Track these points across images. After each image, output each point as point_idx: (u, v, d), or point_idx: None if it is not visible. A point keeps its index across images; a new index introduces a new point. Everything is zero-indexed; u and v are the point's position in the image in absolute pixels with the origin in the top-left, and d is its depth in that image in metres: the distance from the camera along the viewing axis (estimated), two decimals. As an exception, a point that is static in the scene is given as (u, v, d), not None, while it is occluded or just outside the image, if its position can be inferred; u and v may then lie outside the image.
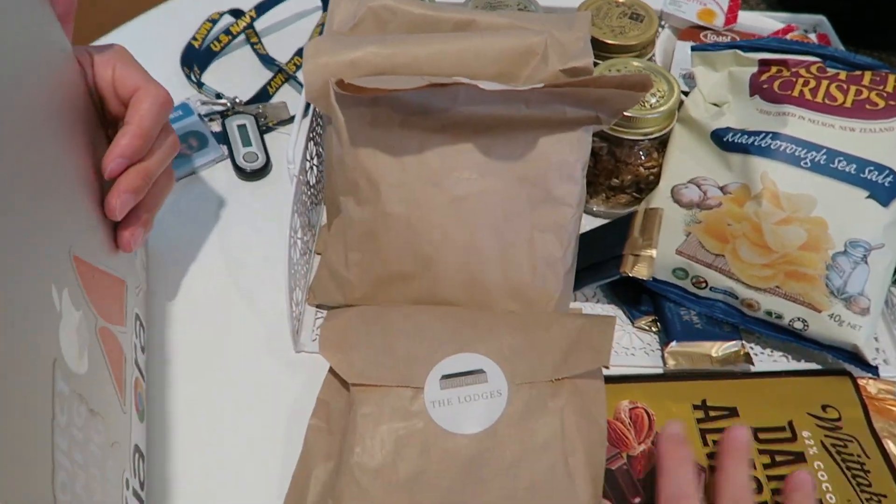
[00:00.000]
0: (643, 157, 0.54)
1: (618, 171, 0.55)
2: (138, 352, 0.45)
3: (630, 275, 0.48)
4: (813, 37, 0.62)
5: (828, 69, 0.51)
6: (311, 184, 0.54)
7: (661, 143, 0.55)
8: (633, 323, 0.52)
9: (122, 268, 0.45)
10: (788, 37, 0.58)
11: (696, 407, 0.46)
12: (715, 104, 0.55)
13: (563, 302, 0.50)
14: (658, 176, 0.54)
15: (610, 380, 0.47)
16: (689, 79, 0.59)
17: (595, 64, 0.57)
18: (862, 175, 0.46)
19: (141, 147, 0.43)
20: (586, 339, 0.45)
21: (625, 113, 0.52)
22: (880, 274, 0.46)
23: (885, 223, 0.46)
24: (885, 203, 0.46)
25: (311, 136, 0.53)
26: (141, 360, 0.46)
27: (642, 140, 0.53)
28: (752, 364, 0.49)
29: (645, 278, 0.48)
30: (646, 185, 0.56)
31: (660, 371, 0.50)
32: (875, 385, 0.48)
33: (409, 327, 0.46)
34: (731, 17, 0.58)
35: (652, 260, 0.48)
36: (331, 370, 0.46)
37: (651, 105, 0.53)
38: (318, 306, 0.52)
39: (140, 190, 0.43)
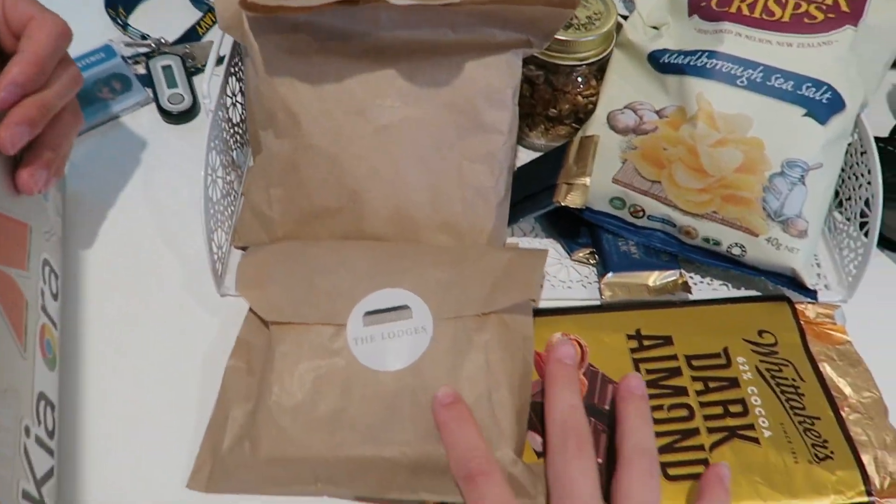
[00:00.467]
0: (581, 85, 0.52)
1: (555, 101, 0.53)
2: (47, 298, 0.43)
3: (564, 204, 0.46)
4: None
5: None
6: (234, 122, 0.52)
7: (600, 70, 0.53)
8: (570, 256, 0.51)
9: (26, 211, 0.43)
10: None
11: (630, 336, 0.45)
12: (654, 27, 0.52)
13: (496, 235, 0.48)
14: (596, 104, 0.52)
15: (543, 312, 0.46)
16: (629, 2, 0.57)
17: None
18: (799, 92, 0.44)
19: (35, 76, 0.41)
20: (515, 273, 0.43)
21: (560, 37, 0.49)
22: (819, 195, 0.45)
23: (823, 142, 0.44)
24: (822, 121, 0.44)
25: (232, 70, 0.50)
26: (52, 306, 0.44)
27: (579, 66, 0.51)
28: (690, 292, 0.48)
29: (579, 206, 0.46)
30: (585, 115, 0.54)
31: (597, 303, 0.48)
32: (813, 309, 0.47)
33: (331, 262, 0.44)
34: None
35: (586, 188, 0.46)
36: (251, 309, 0.44)
37: (587, 28, 0.50)
38: (243, 248, 0.50)
39: (35, 122, 0.41)
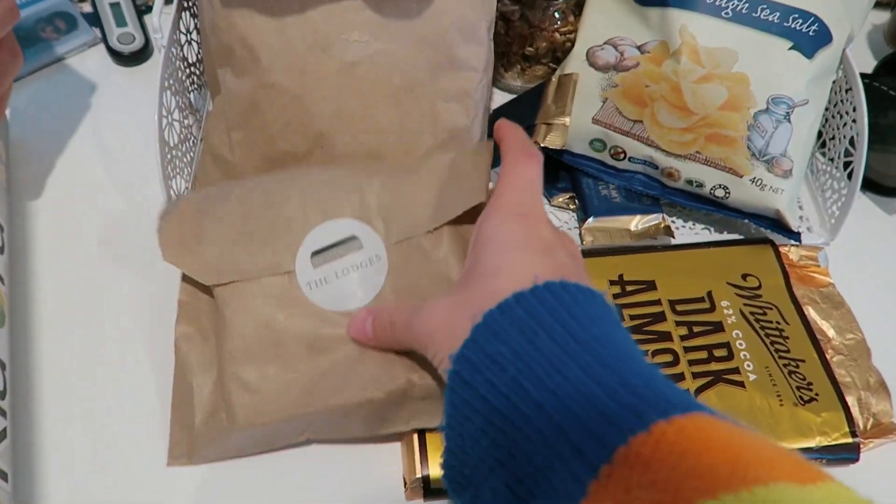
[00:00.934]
0: (559, 21, 0.50)
1: (532, 38, 0.50)
2: (-9, 251, 0.40)
3: (542, 145, 0.44)
4: None
5: None
6: (189, 61, 0.48)
7: (578, 6, 0.50)
8: (549, 202, 0.49)
9: (-38, 156, 0.40)
10: None
11: (612, 282, 0.44)
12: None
13: (472, 179, 0.46)
14: (574, 42, 0.50)
15: (523, 259, 0.45)
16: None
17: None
18: (785, 24, 0.42)
19: None
20: (459, 177, 0.39)
21: None
22: (804, 133, 0.43)
23: (809, 77, 0.42)
24: (809, 55, 0.42)
25: (186, 4, 0.47)
26: (-3, 260, 0.41)
27: (556, 0, 0.48)
28: (673, 237, 0.46)
29: (558, 147, 0.44)
30: (563, 54, 0.51)
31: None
32: (797, 252, 0.46)
33: (262, 201, 0.39)
34: None
35: (565, 129, 0.44)
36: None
37: None
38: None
39: None
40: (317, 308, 0.37)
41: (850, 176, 0.46)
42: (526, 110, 0.47)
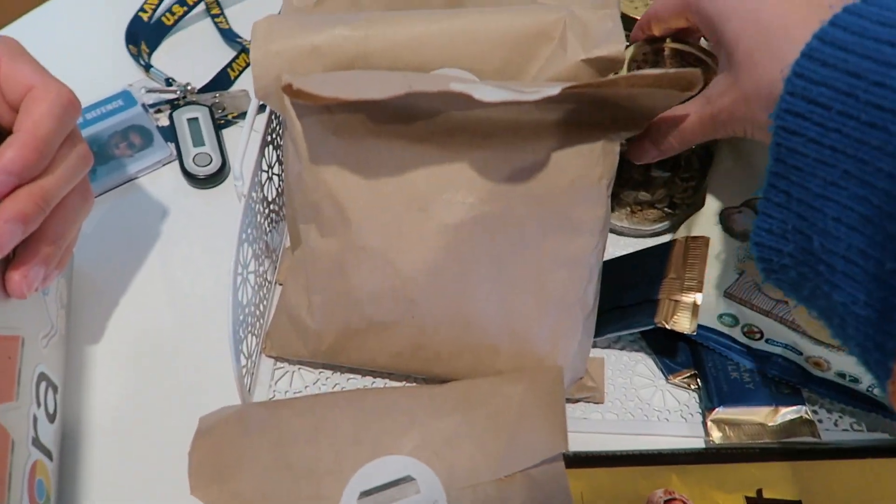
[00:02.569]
0: (681, 164, 0.44)
1: (647, 183, 0.44)
2: (41, 424, 0.36)
3: (668, 327, 0.38)
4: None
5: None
6: (269, 200, 0.44)
7: (704, 147, 0.44)
8: (666, 378, 0.42)
9: (18, 318, 0.35)
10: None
11: (749, 500, 0.36)
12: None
13: (580, 353, 0.40)
14: (696, 188, 0.44)
15: (641, 459, 0.38)
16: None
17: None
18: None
19: (35, 161, 0.33)
20: (534, 413, 0.35)
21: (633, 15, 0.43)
22: None
23: None
24: None
25: (269, 139, 0.42)
26: (47, 432, 0.36)
27: None
28: (818, 437, 0.39)
29: (687, 332, 0.38)
30: (681, 200, 0.45)
31: (701, 444, 0.40)
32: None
33: (307, 428, 0.35)
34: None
35: (696, 308, 0.38)
36: None
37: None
38: (276, 358, 0.42)
39: (31, 218, 0.33)
40: None
41: None
42: (647, 274, 0.41)
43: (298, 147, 0.36)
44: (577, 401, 0.41)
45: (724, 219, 0.41)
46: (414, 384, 0.40)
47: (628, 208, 0.47)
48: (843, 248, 0.25)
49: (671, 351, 0.43)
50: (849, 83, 0.25)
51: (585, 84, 0.32)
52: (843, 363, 0.38)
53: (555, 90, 0.30)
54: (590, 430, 0.40)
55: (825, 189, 0.26)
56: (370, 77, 0.34)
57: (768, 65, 0.30)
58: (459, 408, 0.36)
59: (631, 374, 0.43)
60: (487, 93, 0.29)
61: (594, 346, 0.43)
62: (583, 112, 0.35)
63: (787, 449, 0.39)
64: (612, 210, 0.47)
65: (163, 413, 0.40)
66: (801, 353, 0.39)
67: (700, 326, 0.42)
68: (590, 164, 0.37)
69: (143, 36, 0.57)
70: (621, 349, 0.44)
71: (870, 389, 0.38)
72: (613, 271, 0.44)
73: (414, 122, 0.35)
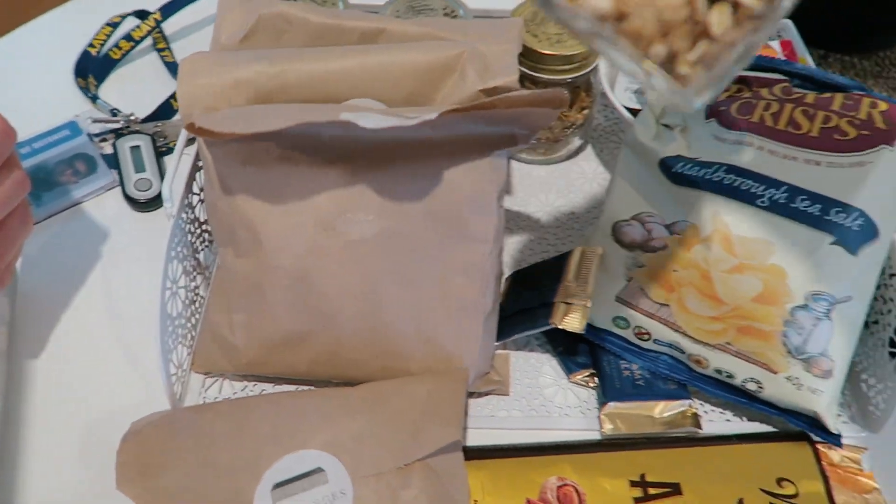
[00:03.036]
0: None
1: None
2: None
3: (560, 326, 0.41)
4: (776, 44, 0.56)
5: (795, 90, 0.44)
6: (200, 220, 0.47)
7: (588, 83, 0.53)
8: (568, 377, 0.46)
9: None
10: (747, 47, 0.51)
11: (633, 483, 0.40)
12: (667, 125, 0.48)
13: (484, 349, 0.43)
14: (588, 116, 0.50)
15: (539, 450, 0.42)
16: (640, 95, 0.52)
17: (532, 78, 0.51)
18: (827, 217, 0.39)
19: None
20: (435, 409, 0.39)
21: (541, 51, 0.49)
22: (846, 332, 0.40)
23: (854, 274, 0.39)
24: (853, 250, 0.39)
25: (200, 165, 0.46)
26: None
27: (566, 81, 0.50)
28: (700, 428, 0.43)
29: (577, 331, 0.41)
30: (579, 128, 0.53)
31: (597, 436, 0.43)
32: (838, 452, 0.43)
33: (230, 428, 0.38)
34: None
35: (586, 310, 0.42)
36: None
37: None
38: (205, 374, 0.45)
39: None
40: None
41: (896, 367, 0.42)
42: (547, 282, 0.45)
43: (210, 176, 0.39)
44: (485, 394, 0.45)
45: (615, 231, 0.45)
46: (331, 387, 0.43)
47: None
48: None
49: (573, 352, 0.46)
50: None
51: (464, 107, 0.36)
52: (719, 361, 0.42)
53: (432, 115, 0.34)
54: (497, 427, 0.44)
55: None
56: (270, 111, 0.37)
57: None
58: (368, 407, 0.39)
59: (537, 374, 0.46)
60: (371, 121, 0.33)
61: (504, 347, 0.47)
62: (472, 132, 0.40)
63: (669, 438, 0.43)
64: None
65: (99, 421, 0.43)
66: (683, 352, 0.43)
67: (597, 329, 0.46)
68: (481, 179, 0.41)
69: (91, 69, 0.60)
70: (529, 352, 0.47)
71: (743, 384, 0.42)
72: (521, 279, 0.48)
73: (318, 150, 0.39)
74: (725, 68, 0.24)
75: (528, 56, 0.49)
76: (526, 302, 0.45)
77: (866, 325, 0.46)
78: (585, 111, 0.54)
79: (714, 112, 0.45)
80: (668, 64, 0.23)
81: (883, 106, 0.41)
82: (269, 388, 0.44)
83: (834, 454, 0.42)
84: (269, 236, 0.39)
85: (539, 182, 0.56)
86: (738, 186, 0.41)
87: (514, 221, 0.54)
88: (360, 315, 0.41)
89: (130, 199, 0.53)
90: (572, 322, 0.42)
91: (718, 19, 0.22)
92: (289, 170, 0.38)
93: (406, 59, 0.41)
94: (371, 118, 0.34)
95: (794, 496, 0.40)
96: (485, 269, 0.42)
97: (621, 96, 0.53)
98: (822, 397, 0.40)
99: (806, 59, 0.55)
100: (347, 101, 0.41)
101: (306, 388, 0.44)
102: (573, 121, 0.54)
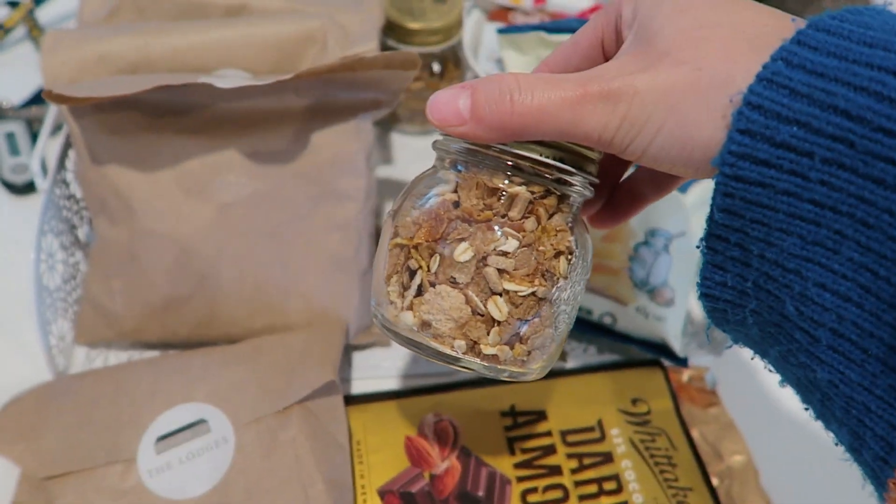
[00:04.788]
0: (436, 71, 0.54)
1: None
2: None
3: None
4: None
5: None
6: (78, 197, 0.47)
7: (456, 55, 0.56)
8: (447, 326, 0.49)
9: None
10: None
11: (503, 414, 0.44)
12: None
13: (363, 303, 0.46)
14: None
15: (417, 392, 0.45)
16: (500, 63, 0.56)
17: (393, 49, 0.53)
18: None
19: None
20: (311, 354, 0.41)
21: (406, 25, 0.51)
22: (683, 263, 0.44)
23: (686, 211, 0.44)
24: (682, 189, 0.44)
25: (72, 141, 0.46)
26: None
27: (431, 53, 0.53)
28: (566, 360, 0.47)
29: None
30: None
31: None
32: (686, 372, 0.47)
33: (109, 389, 0.39)
34: (539, -4, 0.55)
35: None
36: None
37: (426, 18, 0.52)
38: (88, 345, 0.46)
39: None
40: (155, 497, 0.36)
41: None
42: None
43: (78, 147, 0.40)
44: (368, 346, 0.47)
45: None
46: (212, 346, 0.44)
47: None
48: (831, 320, 0.20)
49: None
50: (837, 124, 0.19)
51: (318, 69, 0.38)
52: (578, 297, 0.46)
53: (287, 75, 0.36)
54: (381, 376, 0.46)
55: (805, 249, 0.20)
56: (130, 79, 0.38)
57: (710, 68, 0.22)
58: (247, 359, 0.41)
59: (418, 326, 0.49)
60: (228, 81, 0.35)
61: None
62: (336, 97, 0.42)
63: (538, 371, 0.46)
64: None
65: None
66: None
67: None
68: (346, 140, 0.43)
69: (-40, 58, 0.59)
70: (410, 307, 0.50)
71: (600, 318, 0.46)
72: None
73: (184, 116, 0.40)
74: (547, 336, 0.28)
75: (394, 30, 0.52)
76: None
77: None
78: (455, 83, 0.57)
79: None
80: (475, 349, 0.27)
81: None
82: (156, 354, 0.46)
83: (683, 375, 0.47)
84: (140, 203, 0.40)
85: (416, 152, 0.59)
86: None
87: (396, 189, 0.56)
88: (238, 275, 0.43)
89: (6, 185, 0.52)
90: None
91: (496, 308, 0.26)
92: (156, 138, 0.40)
93: (268, 32, 0.43)
94: (228, 80, 0.36)
95: (647, 413, 0.45)
96: (357, 226, 0.45)
97: (485, 65, 0.56)
98: (666, 324, 0.44)
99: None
100: (215, 71, 0.43)
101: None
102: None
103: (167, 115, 0.40)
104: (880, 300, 0.19)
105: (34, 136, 0.55)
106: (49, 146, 0.43)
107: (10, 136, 0.54)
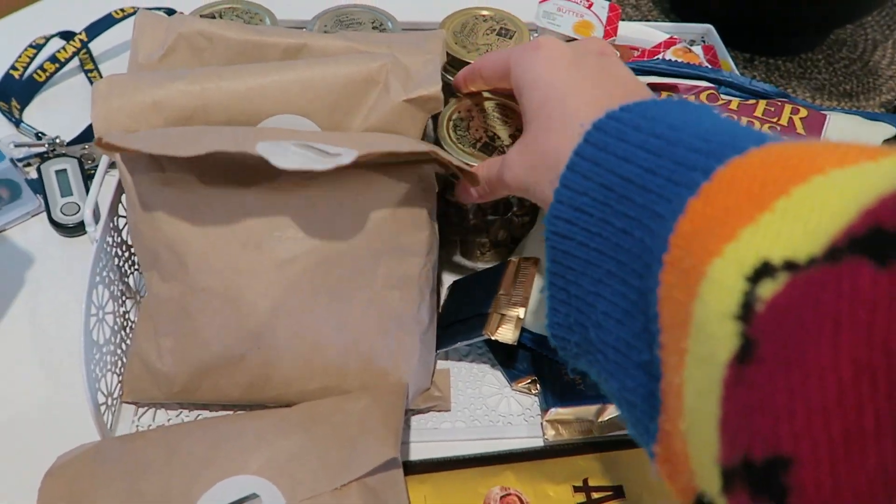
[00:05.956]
0: (514, 206, 0.48)
1: (487, 227, 0.48)
2: None
3: (493, 338, 0.41)
4: (698, 49, 0.57)
5: (721, 96, 0.45)
6: (129, 244, 0.46)
7: None
8: (511, 385, 0.46)
9: None
10: (671, 50, 0.52)
11: (576, 489, 0.40)
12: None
13: (423, 366, 0.43)
14: (533, 221, 0.48)
15: (482, 461, 0.41)
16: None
17: (454, 93, 0.50)
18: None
19: None
20: (371, 426, 0.38)
21: (469, 61, 0.47)
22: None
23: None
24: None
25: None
26: None
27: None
28: (642, 428, 0.43)
29: (509, 342, 0.41)
30: (521, 234, 0.49)
31: (540, 443, 0.43)
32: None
33: (160, 455, 0.37)
34: (610, 30, 0.52)
35: (519, 321, 0.42)
36: None
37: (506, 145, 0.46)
38: (136, 404, 0.44)
39: None
40: None
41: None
42: (484, 292, 0.45)
43: (131, 198, 0.38)
44: (426, 410, 0.44)
45: (549, 237, 0.45)
46: (267, 409, 0.42)
47: (478, 251, 0.50)
48: (612, 340, 0.26)
49: (514, 360, 0.46)
50: (604, 194, 0.27)
51: (377, 153, 0.36)
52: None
53: (348, 159, 0.33)
54: (440, 440, 0.43)
55: (595, 286, 0.27)
56: (185, 134, 0.36)
57: (550, 154, 0.32)
58: (304, 426, 0.38)
59: (479, 384, 0.46)
60: (283, 160, 0.32)
61: (447, 358, 0.47)
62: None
63: (611, 441, 0.43)
64: (466, 257, 0.51)
65: (25, 452, 0.41)
66: (621, 354, 0.43)
67: (535, 335, 0.45)
68: (409, 192, 0.40)
69: (14, 92, 0.59)
70: (471, 362, 0.47)
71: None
72: (461, 289, 0.48)
73: (241, 170, 0.38)
74: None
75: (457, 66, 0.49)
76: (464, 312, 0.45)
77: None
78: (528, 216, 0.50)
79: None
80: None
81: (803, 112, 0.42)
82: (206, 414, 0.43)
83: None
84: (193, 258, 0.38)
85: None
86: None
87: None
88: (294, 335, 0.40)
89: (57, 225, 0.51)
90: (505, 333, 0.42)
91: None
92: (210, 191, 0.38)
93: (327, 73, 0.41)
94: (284, 155, 0.33)
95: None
96: (419, 283, 0.42)
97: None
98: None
99: (728, 63, 0.56)
100: (272, 118, 0.41)
101: (242, 412, 0.43)
102: (515, 227, 0.50)
103: (222, 168, 0.37)
104: (633, 317, 0.25)
105: (85, 175, 0.54)
106: (102, 189, 0.42)
107: (62, 174, 0.53)
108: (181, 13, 0.48)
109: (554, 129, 0.32)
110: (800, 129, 0.41)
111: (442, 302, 0.49)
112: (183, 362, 0.40)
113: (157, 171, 0.38)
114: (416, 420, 0.44)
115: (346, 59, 0.42)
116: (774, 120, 0.42)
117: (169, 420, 0.43)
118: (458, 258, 0.51)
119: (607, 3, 0.52)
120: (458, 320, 0.45)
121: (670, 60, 0.47)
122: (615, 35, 0.52)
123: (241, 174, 0.38)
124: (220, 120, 0.40)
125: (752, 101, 0.44)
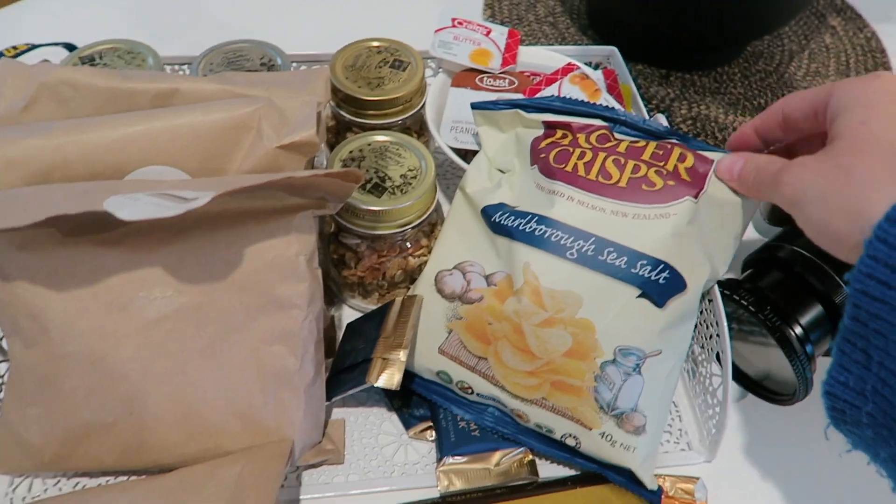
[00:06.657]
0: (409, 246, 0.46)
1: (383, 268, 0.47)
2: None
3: (375, 385, 0.40)
4: (599, 74, 0.55)
5: (615, 135, 0.44)
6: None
7: (431, 225, 0.47)
8: (407, 431, 0.45)
9: None
10: (569, 77, 0.50)
11: (462, 546, 0.40)
12: (501, 170, 0.46)
13: (310, 418, 0.42)
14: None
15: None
16: (476, 136, 0.51)
17: (358, 124, 0.49)
18: (633, 270, 0.39)
19: None
20: (245, 493, 0.37)
21: (372, 207, 0.44)
22: (658, 386, 0.40)
23: (661, 327, 0.39)
24: (660, 304, 0.39)
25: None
26: None
27: (402, 231, 0.45)
28: (537, 475, 0.43)
29: (392, 388, 0.40)
30: (419, 274, 0.48)
31: (436, 494, 0.43)
32: (672, 484, 0.43)
33: None
34: (508, 58, 0.50)
35: (402, 364, 0.40)
36: None
37: (402, 190, 0.44)
38: (10, 475, 0.42)
39: None
40: None
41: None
42: (369, 335, 0.44)
43: (-18, 265, 0.37)
44: (318, 465, 0.44)
45: (438, 280, 0.44)
46: (143, 477, 0.41)
47: (377, 293, 0.49)
48: None
49: (410, 405, 0.46)
50: None
51: (246, 186, 0.34)
52: (537, 416, 0.41)
53: (204, 200, 0.32)
54: (333, 493, 0.43)
55: None
56: (26, 197, 0.34)
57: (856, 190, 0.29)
58: (173, 496, 0.37)
59: (377, 432, 0.45)
60: (131, 212, 0.31)
61: (344, 405, 0.46)
62: (272, 198, 0.38)
63: (507, 488, 0.42)
64: (364, 298, 0.50)
65: None
66: (506, 406, 0.42)
67: (425, 380, 0.45)
68: (285, 243, 0.39)
69: None
70: (369, 407, 0.46)
71: (563, 438, 0.41)
72: (353, 331, 0.47)
73: (104, 228, 0.36)
74: None
75: (349, 103, 0.48)
76: (351, 357, 0.44)
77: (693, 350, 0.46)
78: (425, 256, 0.49)
79: (536, 158, 0.44)
80: None
81: (689, 161, 0.41)
82: (85, 481, 0.42)
83: (667, 485, 0.43)
84: (55, 323, 0.37)
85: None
86: (549, 237, 0.40)
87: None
88: (168, 398, 0.39)
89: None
90: (388, 379, 0.40)
91: None
92: (72, 252, 0.36)
93: (196, 121, 0.39)
94: (133, 207, 0.31)
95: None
96: (302, 335, 0.40)
97: (447, 136, 0.51)
98: (635, 454, 0.39)
99: (629, 87, 0.54)
100: (138, 170, 0.39)
101: (121, 479, 0.42)
102: (412, 268, 0.50)
103: (84, 227, 0.36)
104: None
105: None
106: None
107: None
108: (47, 61, 0.45)
109: (867, 151, 0.30)
110: (684, 177, 0.40)
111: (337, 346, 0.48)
112: (51, 431, 0.39)
113: (10, 235, 0.36)
114: (307, 475, 0.43)
115: (217, 105, 0.40)
116: (661, 164, 0.41)
117: (45, 490, 0.42)
118: (358, 301, 0.50)
119: (506, 29, 0.50)
120: (346, 367, 0.44)
121: (565, 98, 0.45)
122: (514, 62, 0.50)
123: (104, 231, 0.37)
124: (83, 175, 0.38)
125: (641, 144, 0.42)
